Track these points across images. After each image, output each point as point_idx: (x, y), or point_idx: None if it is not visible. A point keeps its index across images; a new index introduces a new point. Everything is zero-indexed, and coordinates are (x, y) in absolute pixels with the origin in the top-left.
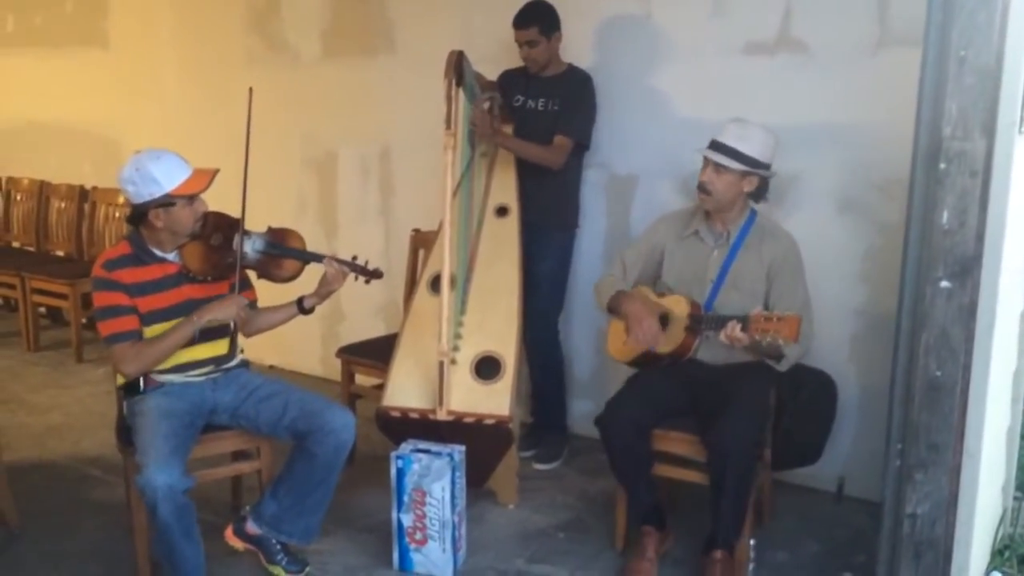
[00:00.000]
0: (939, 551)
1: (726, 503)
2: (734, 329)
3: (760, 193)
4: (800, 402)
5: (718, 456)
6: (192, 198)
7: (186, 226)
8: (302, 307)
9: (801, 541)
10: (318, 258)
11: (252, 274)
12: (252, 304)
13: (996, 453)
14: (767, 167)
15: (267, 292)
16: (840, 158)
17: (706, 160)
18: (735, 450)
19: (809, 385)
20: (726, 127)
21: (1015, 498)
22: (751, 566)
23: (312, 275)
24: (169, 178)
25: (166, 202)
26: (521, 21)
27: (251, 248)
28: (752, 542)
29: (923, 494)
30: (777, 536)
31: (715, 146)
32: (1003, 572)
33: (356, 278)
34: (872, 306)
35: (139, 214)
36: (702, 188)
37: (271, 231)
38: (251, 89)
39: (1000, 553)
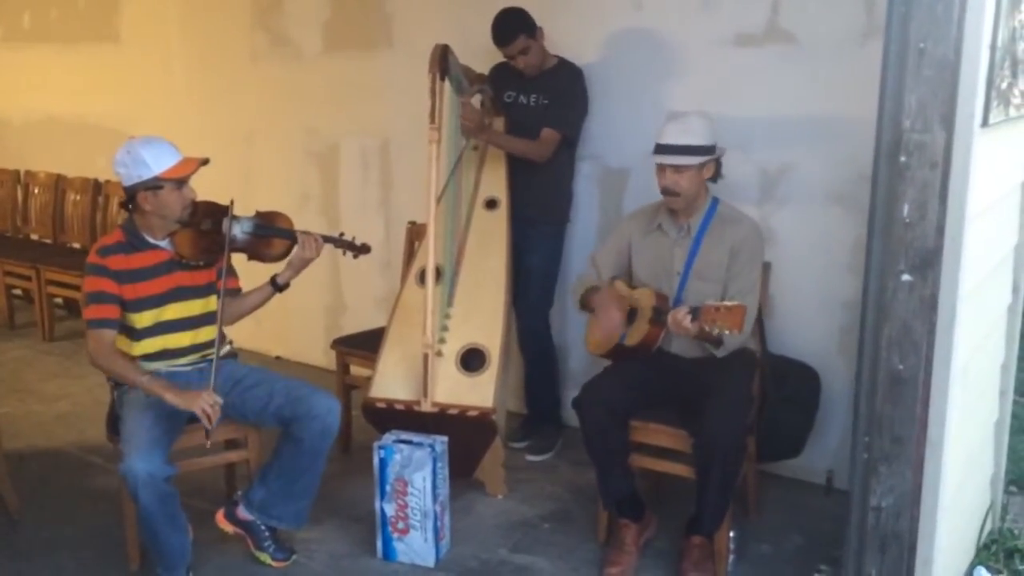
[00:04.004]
0: (904, 544)
1: (711, 492)
2: (685, 318)
3: (717, 173)
4: (782, 395)
5: (705, 446)
6: (180, 182)
7: (174, 211)
8: (276, 285)
9: (786, 534)
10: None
11: (242, 256)
12: (236, 292)
13: (981, 446)
14: (715, 148)
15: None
16: (828, 149)
17: (661, 165)
18: (723, 440)
19: (792, 378)
20: (665, 129)
21: (1008, 492)
22: (731, 558)
23: None
24: (158, 162)
25: (154, 185)
26: (506, 37)
27: (240, 230)
28: (732, 534)
29: (887, 487)
30: (763, 529)
31: (664, 150)
32: (988, 567)
33: (344, 253)
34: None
35: (130, 197)
36: (669, 192)
37: (259, 214)
38: (232, 202)
39: (987, 547)
